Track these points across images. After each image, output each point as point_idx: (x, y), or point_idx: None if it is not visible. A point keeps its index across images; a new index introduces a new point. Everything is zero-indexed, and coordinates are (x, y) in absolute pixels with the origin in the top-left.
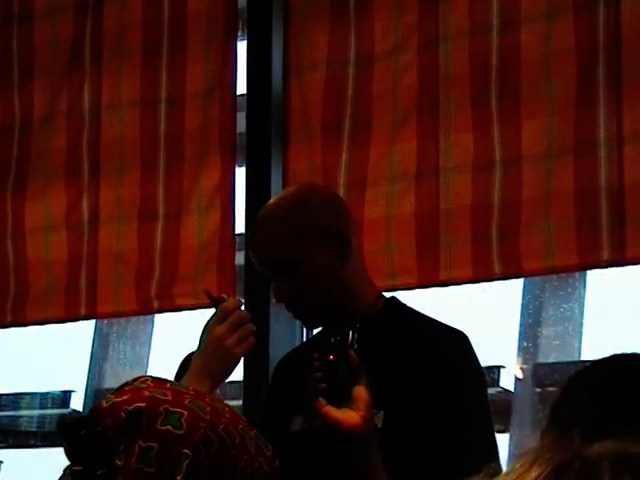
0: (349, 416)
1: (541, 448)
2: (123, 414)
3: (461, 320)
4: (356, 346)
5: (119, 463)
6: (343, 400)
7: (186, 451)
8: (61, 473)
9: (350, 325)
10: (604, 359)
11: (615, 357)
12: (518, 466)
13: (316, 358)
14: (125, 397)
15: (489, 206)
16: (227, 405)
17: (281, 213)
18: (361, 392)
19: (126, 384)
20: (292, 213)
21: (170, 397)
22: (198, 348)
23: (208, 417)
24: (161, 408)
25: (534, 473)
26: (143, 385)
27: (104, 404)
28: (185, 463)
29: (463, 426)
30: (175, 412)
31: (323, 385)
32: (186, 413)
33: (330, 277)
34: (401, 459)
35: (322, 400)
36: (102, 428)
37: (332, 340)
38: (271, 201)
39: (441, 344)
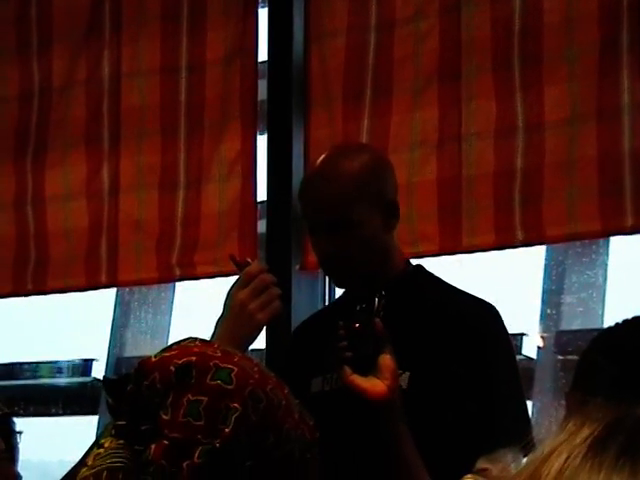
0: (375, 384)
1: (590, 410)
2: (172, 368)
3: (483, 287)
4: (382, 314)
5: (165, 417)
6: (368, 368)
7: (235, 405)
8: (100, 432)
9: (376, 292)
10: (625, 322)
11: (635, 320)
12: (570, 425)
13: (341, 326)
14: (174, 352)
15: (511, 173)
16: (271, 372)
17: (351, 170)
18: (387, 360)
19: (173, 344)
20: (363, 173)
21: (220, 355)
22: (222, 314)
23: (257, 376)
24: (211, 363)
25: (585, 433)
26: (191, 344)
27: (153, 359)
28: (234, 417)
29: (495, 395)
30: (225, 368)
31: (349, 354)
32: (236, 369)
33: (378, 242)
34: (426, 423)
35: (348, 369)
36: (150, 382)
37: (358, 308)
38: (336, 153)
39: (471, 312)
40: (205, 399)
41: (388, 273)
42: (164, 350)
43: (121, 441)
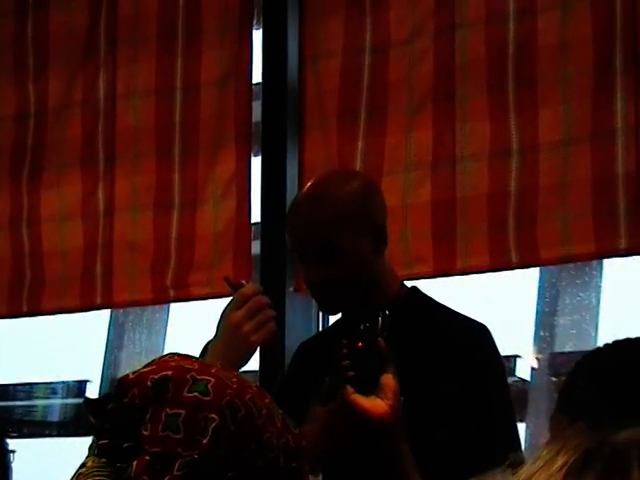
0: (377, 405)
1: (567, 435)
2: (149, 383)
3: (477, 309)
4: (385, 333)
5: (145, 433)
6: (371, 388)
7: (213, 416)
8: (82, 459)
9: (379, 312)
10: (609, 345)
11: (619, 343)
12: (544, 453)
13: (345, 345)
14: (151, 368)
15: (506, 194)
16: (253, 382)
17: (337, 197)
18: (389, 380)
19: (153, 360)
20: (349, 199)
21: (197, 367)
22: (215, 335)
23: (235, 386)
24: (188, 376)
25: (561, 460)
26: (169, 359)
27: (131, 376)
28: (212, 427)
29: (486, 416)
30: (202, 379)
31: (351, 373)
32: (213, 380)
33: (365, 268)
34: (420, 447)
35: (350, 388)
36: (129, 399)
37: (361, 327)
38: (324, 180)
39: (464, 335)
40: (183, 412)
41: (382, 296)
42: (144, 366)
43: (104, 459)
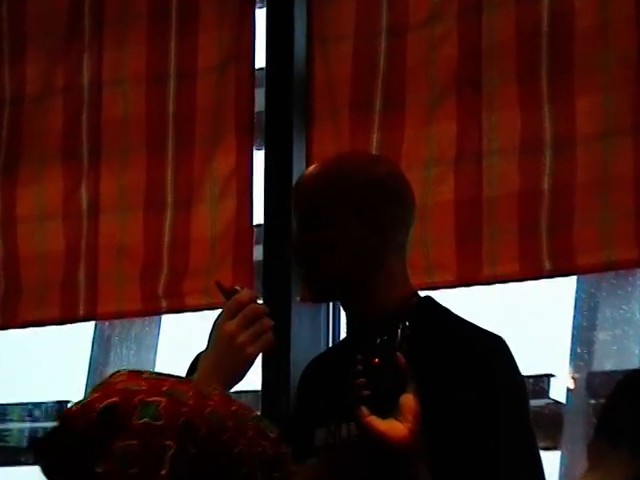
0: (395, 428)
1: (608, 464)
2: (95, 414)
3: (505, 322)
4: (404, 347)
5: (99, 470)
6: (388, 409)
7: (169, 442)
8: None
9: (398, 323)
10: None
11: None
12: None
13: (359, 361)
14: (96, 395)
15: (538, 193)
16: (217, 389)
17: (347, 171)
18: (409, 400)
19: (100, 384)
20: (350, 174)
21: (145, 387)
22: (206, 347)
23: (191, 402)
24: (136, 400)
25: None
26: (116, 380)
27: (74, 408)
28: (169, 455)
29: (497, 446)
30: (152, 402)
31: (366, 392)
32: (164, 401)
33: (349, 250)
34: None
35: (365, 409)
36: (76, 434)
37: (378, 341)
38: (347, 153)
39: (474, 350)
40: (135, 442)
41: (385, 299)
42: (90, 393)
43: None
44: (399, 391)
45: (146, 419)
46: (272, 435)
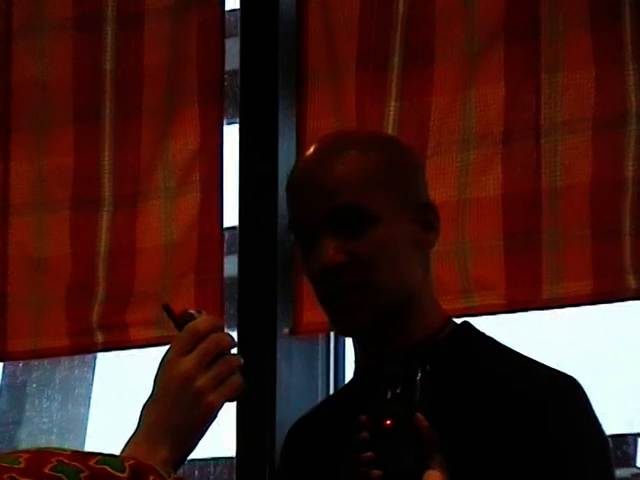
0: None
1: None
2: None
3: (572, 360)
4: (427, 400)
5: None
6: None
7: None
8: None
9: (414, 365)
10: None
11: None
12: None
13: (364, 424)
14: None
15: (619, 183)
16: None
17: (371, 148)
18: (435, 478)
19: None
20: (386, 155)
21: None
22: (151, 395)
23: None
24: None
25: None
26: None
27: None
28: None
29: None
30: None
31: (376, 472)
32: None
33: (407, 257)
34: None
35: None
36: None
37: (389, 394)
38: (348, 132)
39: (537, 394)
40: None
41: (418, 333)
42: None
43: None
44: (420, 467)
45: None
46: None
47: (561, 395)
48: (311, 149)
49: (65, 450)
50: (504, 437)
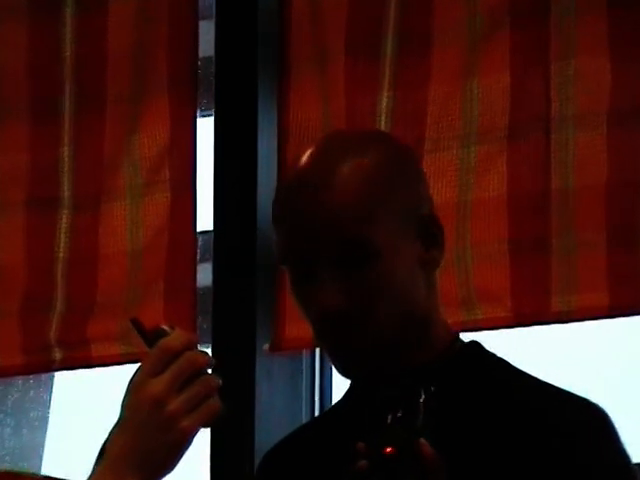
0: None
1: None
2: None
3: (587, 382)
4: (432, 424)
5: None
6: None
7: None
8: None
9: (417, 387)
10: None
11: None
12: None
13: (362, 452)
14: None
15: (637, 184)
16: None
17: (364, 168)
18: None
19: None
20: (381, 171)
21: None
22: (119, 420)
23: None
24: None
25: None
26: None
27: None
28: None
29: None
30: None
31: None
32: None
33: (416, 286)
34: None
35: None
36: None
37: (389, 419)
38: (336, 143)
39: (559, 419)
40: None
41: (424, 355)
42: None
43: None
44: None
45: None
46: None
47: (592, 428)
48: (298, 173)
49: (35, 475)
50: (525, 468)
